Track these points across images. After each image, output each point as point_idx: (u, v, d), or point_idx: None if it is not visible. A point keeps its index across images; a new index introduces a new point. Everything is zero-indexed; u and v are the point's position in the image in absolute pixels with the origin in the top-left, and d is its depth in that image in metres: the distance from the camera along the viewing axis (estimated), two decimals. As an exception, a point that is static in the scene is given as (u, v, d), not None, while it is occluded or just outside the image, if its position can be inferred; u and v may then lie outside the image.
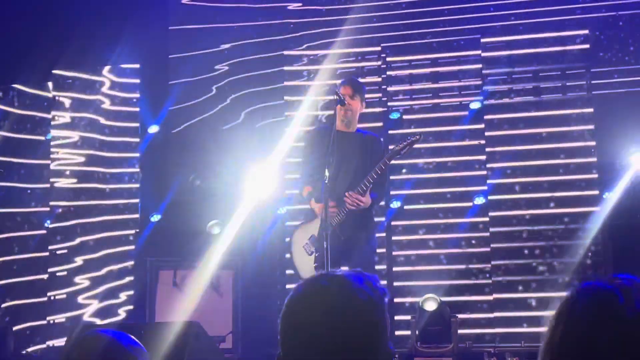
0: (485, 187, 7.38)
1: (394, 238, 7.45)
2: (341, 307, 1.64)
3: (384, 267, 7.24)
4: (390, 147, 5.83)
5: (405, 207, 7.52)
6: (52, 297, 7.94)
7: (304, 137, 6.19)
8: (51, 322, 7.87)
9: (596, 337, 1.44)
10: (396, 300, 7.30)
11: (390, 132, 7.51)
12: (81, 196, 8.15)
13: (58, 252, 8.05)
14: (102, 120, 8.23)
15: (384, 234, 7.27)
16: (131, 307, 7.77)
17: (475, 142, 7.49)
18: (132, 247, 7.95)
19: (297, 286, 1.73)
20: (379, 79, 7.71)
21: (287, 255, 6.11)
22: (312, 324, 1.64)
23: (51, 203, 8.17)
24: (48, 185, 8.22)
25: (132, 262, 7.90)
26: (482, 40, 7.60)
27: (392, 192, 7.52)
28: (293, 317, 1.68)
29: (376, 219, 6.23)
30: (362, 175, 5.63)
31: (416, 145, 5.69)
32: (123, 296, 7.85)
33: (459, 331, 6.67)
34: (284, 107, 7.98)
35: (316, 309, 1.65)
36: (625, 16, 7.65)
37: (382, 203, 6.85)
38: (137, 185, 8.14)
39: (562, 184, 7.20)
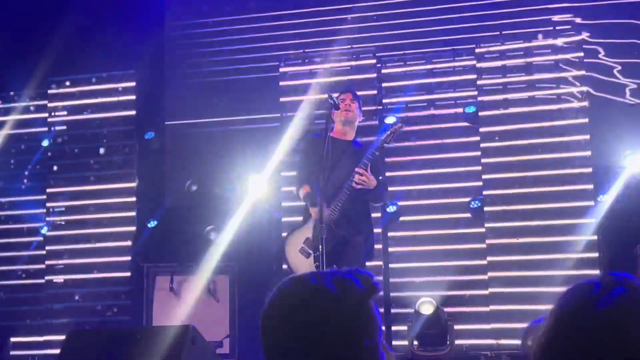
0: (480, 188, 7.39)
1: (390, 238, 7.46)
2: (324, 302, 1.66)
3: (379, 263, 7.24)
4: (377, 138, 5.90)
5: (401, 211, 7.53)
6: (48, 303, 7.94)
7: (302, 144, 6.22)
8: (47, 327, 7.86)
9: (567, 327, 1.47)
10: (392, 299, 7.30)
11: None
12: (78, 201, 8.15)
13: (55, 258, 8.04)
14: (98, 127, 8.23)
15: (379, 230, 7.28)
16: (129, 312, 7.77)
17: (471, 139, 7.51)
18: (129, 253, 7.94)
19: (275, 289, 1.76)
20: (374, 92, 7.73)
21: (284, 266, 6.14)
22: (284, 327, 1.67)
23: (48, 204, 8.17)
24: (44, 192, 8.22)
25: (129, 268, 7.89)
26: (477, 50, 7.63)
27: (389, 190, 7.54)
28: (267, 320, 1.72)
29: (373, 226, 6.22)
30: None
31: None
32: (120, 302, 7.84)
33: (455, 326, 6.69)
34: (279, 113, 7.98)
35: (284, 314, 1.68)
36: (621, 23, 7.70)
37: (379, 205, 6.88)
38: (134, 190, 8.13)
39: (557, 185, 7.20)
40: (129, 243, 7.96)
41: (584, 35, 7.51)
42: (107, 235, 8.01)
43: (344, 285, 1.70)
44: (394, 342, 7.05)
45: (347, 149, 5.86)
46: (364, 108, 6.29)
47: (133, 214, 8.04)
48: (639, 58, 7.71)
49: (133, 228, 8.01)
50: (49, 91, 8.35)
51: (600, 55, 7.74)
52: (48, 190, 8.20)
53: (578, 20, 7.83)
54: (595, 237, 6.99)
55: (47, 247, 8.09)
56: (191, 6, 8.84)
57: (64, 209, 8.14)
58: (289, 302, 1.70)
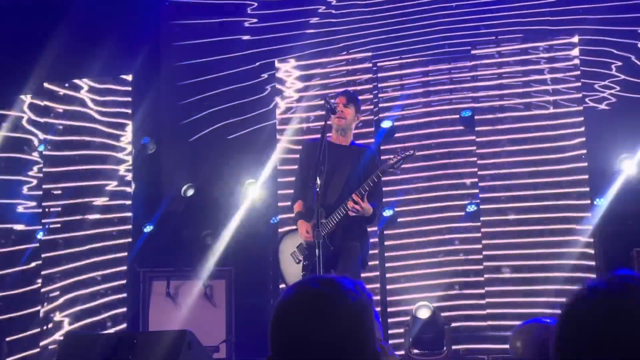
0: (476, 193, 7.39)
1: (386, 243, 7.47)
2: (332, 309, 1.66)
3: (376, 273, 7.24)
4: (385, 158, 5.80)
5: (398, 216, 7.53)
6: (44, 307, 7.92)
7: (300, 150, 6.16)
8: (43, 332, 7.84)
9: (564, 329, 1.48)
10: (389, 303, 7.30)
11: (382, 145, 7.52)
12: (73, 208, 8.14)
13: (50, 263, 8.02)
14: (94, 132, 8.22)
15: (376, 239, 7.28)
16: (125, 317, 7.75)
17: (467, 148, 7.52)
18: (125, 257, 7.93)
19: (288, 289, 1.76)
20: (370, 96, 7.73)
21: (277, 266, 6.10)
22: (302, 325, 1.66)
23: (44, 204, 8.16)
24: (40, 197, 8.21)
25: (125, 273, 7.88)
26: (473, 52, 7.65)
27: (383, 200, 7.54)
28: (284, 319, 1.70)
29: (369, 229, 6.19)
30: (354, 186, 5.61)
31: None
32: (116, 307, 7.83)
33: (452, 331, 6.69)
34: (275, 117, 7.98)
35: (307, 311, 1.67)
36: (614, 28, 7.72)
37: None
38: (130, 196, 8.13)
39: (553, 189, 7.21)
40: (125, 248, 7.95)
41: (578, 39, 7.52)
42: (103, 240, 7.99)
43: (360, 290, 1.73)
44: (391, 346, 7.05)
45: (345, 153, 5.80)
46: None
47: (129, 217, 8.03)
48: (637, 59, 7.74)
49: (129, 233, 8.00)
50: (45, 93, 8.34)
51: (596, 57, 7.75)
52: (44, 190, 8.18)
53: (573, 20, 7.84)
54: (592, 241, 6.99)
55: (43, 250, 8.06)
56: (187, 10, 8.85)
57: (60, 209, 8.13)
58: (313, 304, 1.68)
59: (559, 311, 1.56)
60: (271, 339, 1.71)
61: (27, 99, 8.48)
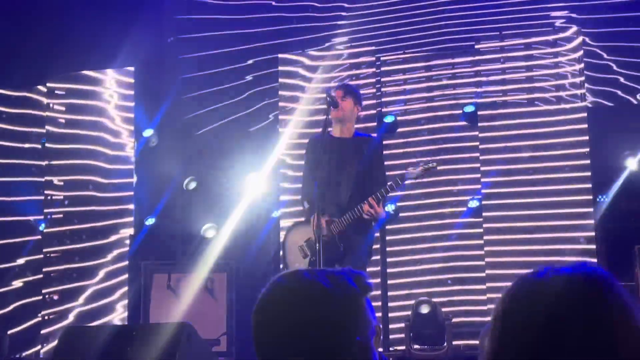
0: (479, 188, 7.37)
1: (388, 238, 7.46)
2: (298, 304, 1.67)
3: (377, 268, 7.22)
4: (407, 170, 5.71)
5: (399, 211, 7.52)
6: (46, 300, 7.93)
7: (305, 148, 6.12)
8: (44, 326, 7.85)
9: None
10: (390, 298, 7.30)
11: (384, 140, 7.49)
12: (75, 200, 8.15)
13: (52, 255, 8.03)
14: (97, 125, 8.22)
15: (377, 234, 7.27)
16: (126, 310, 7.76)
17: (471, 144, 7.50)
18: (127, 250, 7.94)
19: (267, 284, 1.76)
20: (373, 90, 7.72)
21: (281, 253, 6.08)
22: (276, 321, 1.67)
23: (46, 193, 8.17)
24: (42, 189, 8.22)
25: (127, 266, 7.89)
26: (477, 46, 7.62)
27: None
28: (259, 315, 1.71)
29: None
30: (363, 180, 5.59)
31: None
32: (117, 299, 7.84)
33: (453, 326, 6.68)
34: (278, 111, 7.98)
35: (276, 307, 1.69)
36: (620, 21, 7.69)
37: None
38: (132, 189, 8.13)
39: (555, 186, 7.18)
40: (126, 240, 7.95)
41: (582, 36, 7.49)
42: (105, 232, 8.00)
43: (337, 281, 1.71)
44: (392, 341, 7.05)
45: (349, 147, 5.77)
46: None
47: (131, 210, 8.04)
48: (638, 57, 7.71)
49: (131, 225, 8.01)
50: (47, 86, 8.34)
51: (599, 53, 7.72)
52: (46, 181, 8.18)
53: (577, 16, 7.81)
54: (594, 237, 6.97)
55: (45, 243, 8.08)
56: (190, 2, 8.84)
57: (62, 197, 8.13)
58: (281, 296, 1.70)
59: None
60: (253, 333, 1.71)
61: (28, 89, 8.48)
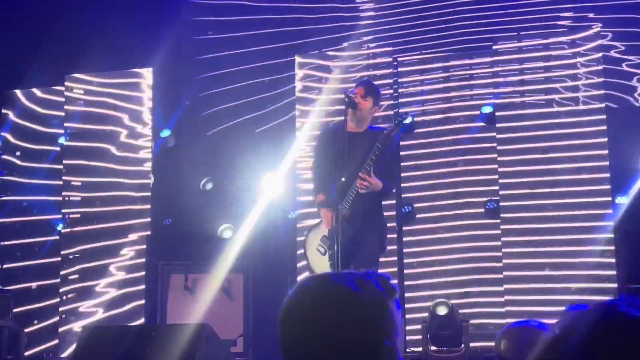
0: (497, 189, 7.35)
1: (405, 239, 7.45)
2: (327, 307, 1.65)
3: (394, 269, 7.21)
4: (384, 132, 5.75)
5: (416, 212, 7.50)
6: (63, 299, 7.96)
7: (316, 139, 6.17)
8: (62, 324, 7.89)
9: None
10: (407, 299, 7.28)
11: (401, 140, 7.48)
12: (93, 201, 8.18)
13: (70, 256, 8.07)
14: (115, 125, 8.25)
15: (394, 236, 7.26)
16: (143, 310, 7.78)
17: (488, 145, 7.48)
18: (144, 250, 7.96)
19: (294, 287, 1.75)
20: (390, 91, 7.70)
21: (299, 264, 6.11)
22: (304, 324, 1.66)
23: (63, 210, 8.21)
24: (60, 193, 8.25)
25: (144, 266, 7.91)
26: (494, 47, 7.59)
27: (403, 196, 7.52)
28: (287, 318, 1.70)
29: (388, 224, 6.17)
30: (374, 173, 5.64)
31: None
32: (135, 300, 7.86)
33: (470, 328, 6.66)
34: (294, 111, 7.98)
35: (305, 311, 1.67)
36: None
37: (394, 201, 6.84)
38: (149, 188, 8.15)
39: (574, 187, 7.15)
40: (143, 241, 7.97)
41: (601, 34, 7.45)
42: (122, 233, 8.02)
43: (365, 284, 1.70)
44: (409, 343, 7.03)
45: (360, 139, 5.77)
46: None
47: (148, 210, 8.06)
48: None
49: (148, 226, 8.03)
50: (65, 86, 8.38)
51: (618, 56, 7.68)
52: (63, 182, 8.22)
53: (595, 17, 7.76)
54: (613, 239, 6.93)
55: (63, 244, 8.11)
56: (207, 2, 8.84)
57: (79, 199, 8.18)
58: (310, 300, 1.69)
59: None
60: (279, 336, 1.70)
61: (47, 88, 8.53)
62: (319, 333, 1.64)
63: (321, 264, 5.67)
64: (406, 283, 7.35)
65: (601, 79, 7.29)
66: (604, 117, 7.21)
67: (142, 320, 7.66)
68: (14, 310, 7.20)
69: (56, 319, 7.96)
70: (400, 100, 7.77)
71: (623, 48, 7.69)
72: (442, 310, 6.67)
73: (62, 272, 8.02)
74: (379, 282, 1.74)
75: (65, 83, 8.36)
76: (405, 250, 7.43)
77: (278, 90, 8.41)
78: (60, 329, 7.89)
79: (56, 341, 7.88)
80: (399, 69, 7.82)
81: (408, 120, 7.54)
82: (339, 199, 5.37)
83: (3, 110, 8.51)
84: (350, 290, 1.67)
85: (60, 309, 7.95)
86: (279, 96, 8.41)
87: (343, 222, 5.44)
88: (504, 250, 7.20)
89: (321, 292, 1.69)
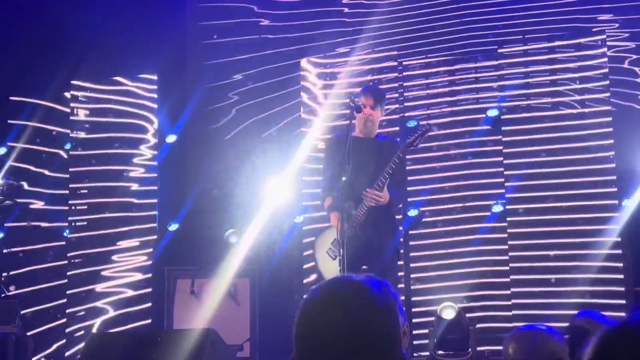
0: (503, 193, 7.33)
1: (411, 243, 7.43)
2: (359, 312, 1.63)
3: (401, 273, 7.20)
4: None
5: (423, 216, 7.49)
6: (70, 303, 7.97)
7: (325, 145, 6.18)
8: (69, 329, 7.90)
9: None
10: (414, 303, 7.27)
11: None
12: (99, 206, 8.20)
13: (76, 260, 8.08)
14: (121, 131, 8.27)
15: (401, 239, 7.25)
16: (149, 315, 7.78)
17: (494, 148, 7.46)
18: (151, 256, 7.97)
19: (314, 289, 1.72)
20: (396, 95, 7.70)
21: (311, 263, 6.09)
22: (329, 328, 1.63)
23: (70, 202, 8.21)
24: (67, 197, 8.26)
25: (150, 271, 7.92)
26: (500, 50, 7.59)
27: (409, 199, 7.51)
28: (309, 321, 1.67)
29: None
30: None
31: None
32: (141, 305, 7.86)
33: (477, 332, 6.64)
34: (300, 115, 7.98)
35: (333, 313, 1.64)
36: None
37: (400, 205, 6.82)
38: (155, 194, 8.16)
39: (580, 191, 7.13)
40: (150, 246, 7.98)
41: (606, 39, 7.43)
42: (128, 238, 8.03)
43: (388, 292, 1.70)
44: (415, 347, 7.02)
45: (370, 146, 5.79)
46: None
47: (154, 216, 8.07)
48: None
49: (154, 231, 8.04)
50: (71, 93, 8.40)
51: (624, 58, 7.66)
52: (70, 189, 8.22)
53: (601, 18, 7.75)
54: (620, 242, 6.91)
55: (69, 249, 8.12)
56: (213, 7, 8.85)
57: (86, 207, 8.19)
58: (331, 304, 1.66)
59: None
60: (295, 339, 1.68)
61: (53, 95, 8.54)
62: (336, 340, 1.61)
63: (330, 268, 5.67)
64: (412, 287, 7.33)
65: (607, 82, 7.27)
66: (609, 119, 7.19)
67: (148, 326, 7.66)
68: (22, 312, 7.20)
69: (63, 320, 7.97)
70: (405, 104, 7.76)
71: (630, 50, 7.67)
72: (449, 314, 6.65)
73: (67, 277, 8.02)
74: (390, 288, 1.72)
75: (72, 91, 8.38)
76: (411, 254, 7.42)
77: (283, 91, 8.41)
78: (66, 333, 7.89)
79: (64, 340, 7.88)
80: (404, 73, 7.82)
81: (413, 124, 7.53)
82: (349, 203, 5.37)
83: (8, 120, 8.52)
84: (369, 297, 1.65)
85: (66, 312, 7.96)
86: (284, 99, 8.41)
87: (356, 228, 5.45)
88: (510, 253, 7.19)
89: (337, 298, 1.66)
